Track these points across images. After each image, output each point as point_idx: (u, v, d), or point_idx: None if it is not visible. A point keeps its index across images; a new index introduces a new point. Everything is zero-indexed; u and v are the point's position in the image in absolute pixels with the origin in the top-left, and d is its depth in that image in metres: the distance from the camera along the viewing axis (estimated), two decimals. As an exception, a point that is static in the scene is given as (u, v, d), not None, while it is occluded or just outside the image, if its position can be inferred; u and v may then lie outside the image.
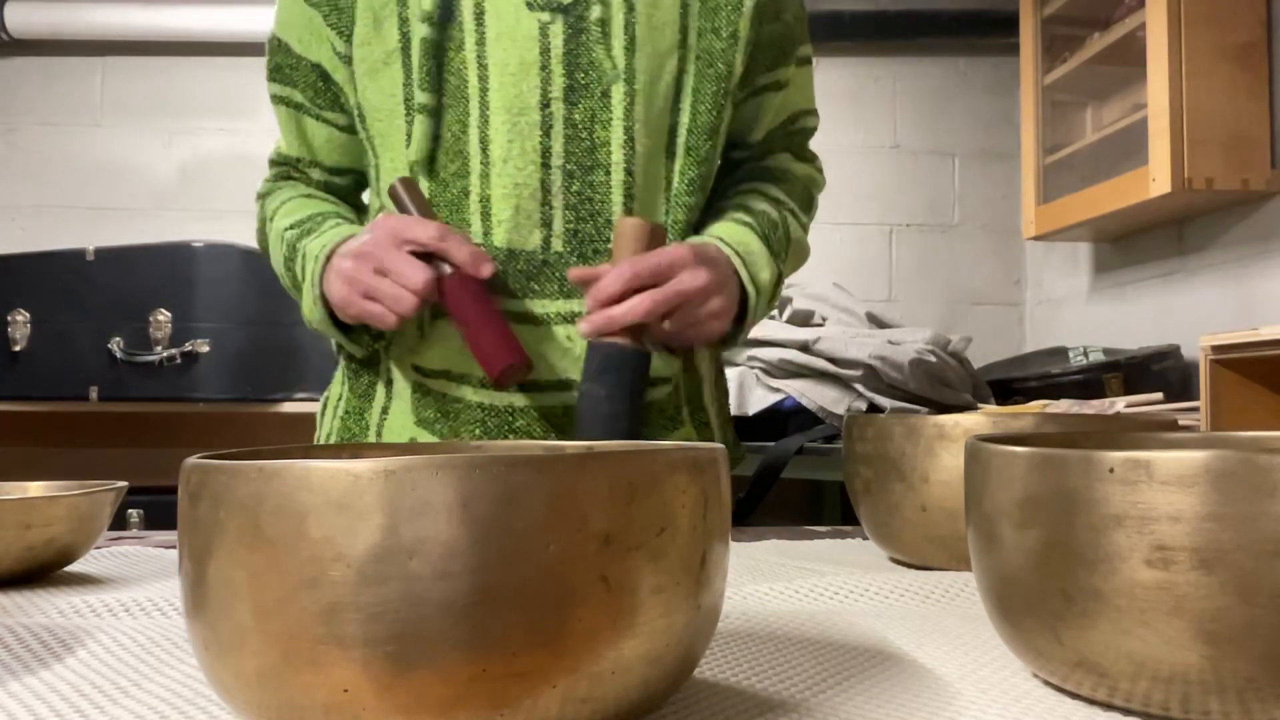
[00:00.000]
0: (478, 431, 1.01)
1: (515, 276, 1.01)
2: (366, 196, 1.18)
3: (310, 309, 1.03)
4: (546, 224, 1.01)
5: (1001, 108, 3.40)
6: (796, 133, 1.18)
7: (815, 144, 1.23)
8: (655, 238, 0.94)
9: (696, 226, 1.08)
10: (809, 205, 1.18)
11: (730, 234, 1.03)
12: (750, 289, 1.02)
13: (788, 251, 1.10)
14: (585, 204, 1.01)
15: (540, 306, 1.01)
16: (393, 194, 0.94)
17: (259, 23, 3.11)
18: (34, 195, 3.24)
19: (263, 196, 1.17)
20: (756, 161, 1.18)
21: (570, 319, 1.00)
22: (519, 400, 1.01)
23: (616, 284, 0.91)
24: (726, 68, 1.03)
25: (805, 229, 1.15)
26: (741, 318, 1.04)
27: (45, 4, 3.13)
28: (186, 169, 3.27)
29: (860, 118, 3.38)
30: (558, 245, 1.01)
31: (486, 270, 0.92)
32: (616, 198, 1.01)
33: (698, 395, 1.10)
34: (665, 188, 1.04)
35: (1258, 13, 2.31)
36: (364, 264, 0.93)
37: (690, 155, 1.03)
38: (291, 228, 1.07)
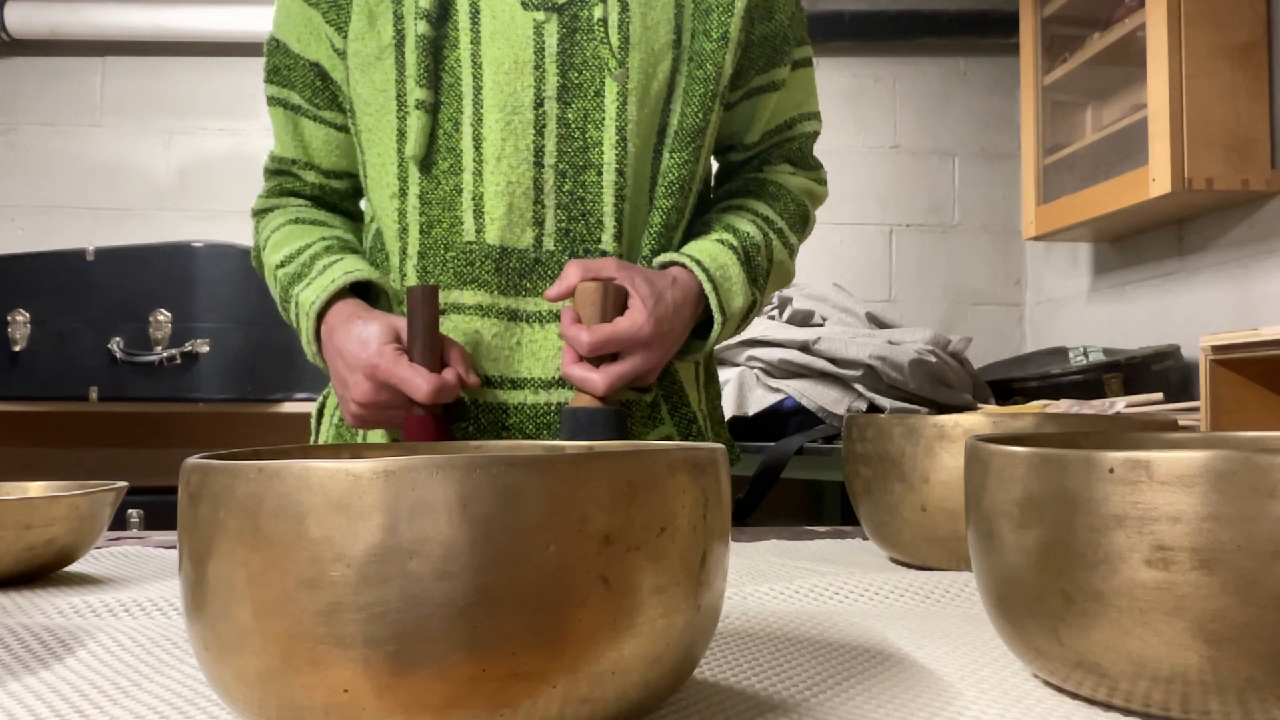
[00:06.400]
0: (470, 429, 1.02)
1: (507, 274, 1.01)
2: (363, 204, 1.18)
3: (310, 355, 1.04)
4: (539, 223, 1.01)
5: (1001, 108, 3.40)
6: (796, 138, 1.17)
7: (816, 145, 1.20)
8: (615, 298, 0.95)
9: (685, 234, 1.08)
10: (803, 223, 1.16)
11: (710, 256, 1.02)
12: (718, 316, 1.02)
13: (769, 276, 1.09)
14: (577, 203, 1.01)
15: (533, 304, 1.02)
16: (410, 295, 0.94)
17: (259, 23, 3.11)
18: (34, 195, 3.24)
19: (258, 214, 1.17)
20: (754, 171, 1.18)
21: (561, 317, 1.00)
22: (511, 398, 1.01)
23: (584, 352, 0.94)
24: (716, 69, 1.03)
25: (793, 250, 1.14)
26: (705, 333, 1.05)
27: (45, 4, 3.13)
28: (186, 169, 3.27)
29: (860, 118, 3.38)
30: (549, 244, 1.01)
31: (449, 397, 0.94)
32: (608, 197, 1.02)
33: (678, 392, 1.09)
34: (651, 188, 1.04)
35: (1258, 13, 2.31)
36: (366, 384, 0.94)
37: (673, 157, 1.03)
38: (282, 265, 1.07)
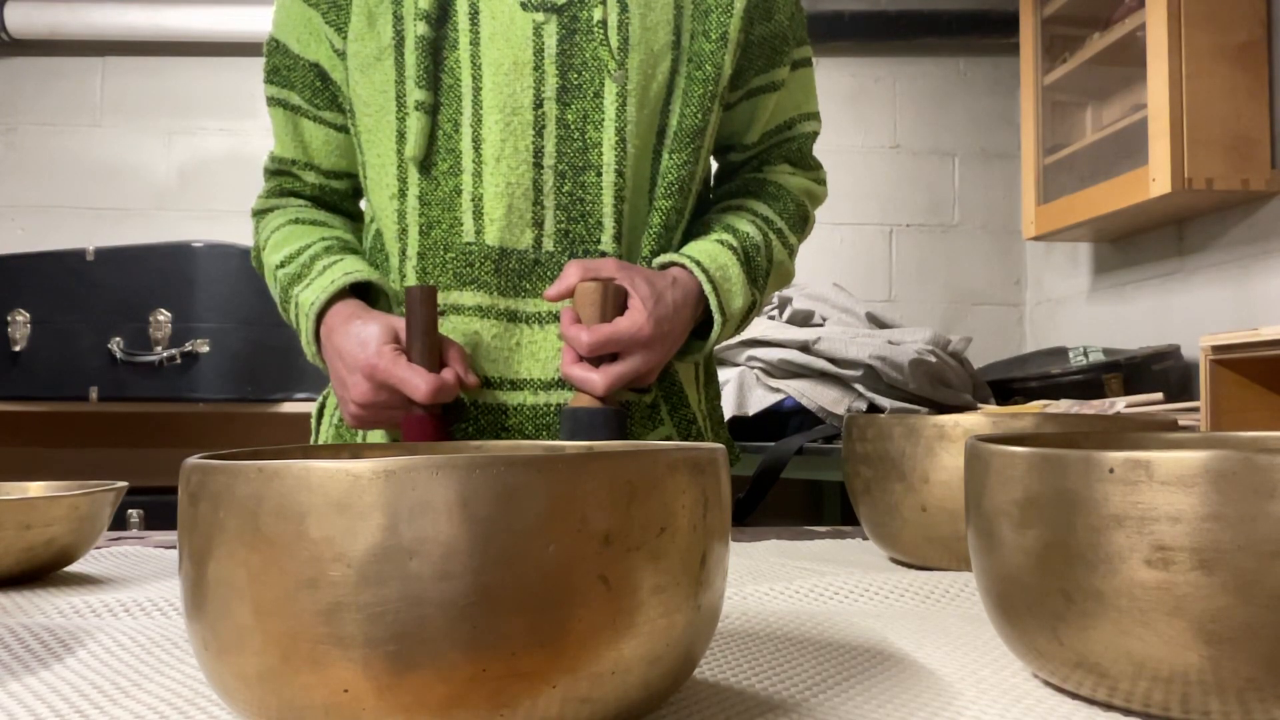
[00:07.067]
0: (470, 430, 1.02)
1: (507, 275, 1.01)
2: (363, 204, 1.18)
3: (310, 355, 1.04)
4: (538, 224, 1.01)
5: (1001, 108, 3.40)
6: (795, 139, 1.17)
7: (816, 145, 1.21)
8: (614, 298, 0.95)
9: (685, 234, 1.08)
10: (803, 223, 1.16)
11: (710, 257, 1.02)
12: (718, 317, 1.02)
13: (768, 276, 1.09)
14: (577, 204, 1.01)
15: (532, 305, 1.01)
16: (409, 295, 0.94)
17: (259, 23, 3.11)
18: (34, 195, 3.24)
19: (258, 215, 1.17)
20: (753, 172, 1.17)
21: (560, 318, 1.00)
22: (511, 399, 1.01)
23: (584, 352, 0.94)
24: (715, 70, 1.03)
25: (793, 251, 1.14)
26: (705, 333, 1.04)
27: (45, 4, 3.13)
28: (186, 169, 3.27)
29: (860, 118, 3.38)
30: (549, 245, 1.01)
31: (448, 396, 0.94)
32: (608, 198, 1.02)
33: (677, 393, 1.09)
34: (650, 189, 1.04)
35: (1258, 13, 2.31)
36: (365, 385, 0.94)
37: (673, 158, 1.03)
38: (282, 265, 1.07)
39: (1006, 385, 2.57)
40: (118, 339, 2.60)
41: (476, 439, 1.02)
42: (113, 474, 2.99)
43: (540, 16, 1.00)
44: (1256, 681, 0.41)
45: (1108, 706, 0.46)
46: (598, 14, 1.00)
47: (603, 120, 1.01)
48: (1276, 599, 0.40)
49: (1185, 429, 0.79)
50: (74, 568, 0.86)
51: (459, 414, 1.01)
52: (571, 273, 0.95)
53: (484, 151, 1.00)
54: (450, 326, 1.01)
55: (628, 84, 1.00)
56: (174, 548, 0.98)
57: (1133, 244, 2.85)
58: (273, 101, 1.12)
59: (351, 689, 0.37)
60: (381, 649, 0.37)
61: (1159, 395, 2.28)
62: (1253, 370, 1.94)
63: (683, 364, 1.10)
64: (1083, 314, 3.12)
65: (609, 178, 1.01)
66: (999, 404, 2.51)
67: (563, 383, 1.01)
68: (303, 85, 1.10)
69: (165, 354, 2.60)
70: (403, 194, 1.03)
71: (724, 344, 2.11)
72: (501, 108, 1.00)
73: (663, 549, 0.40)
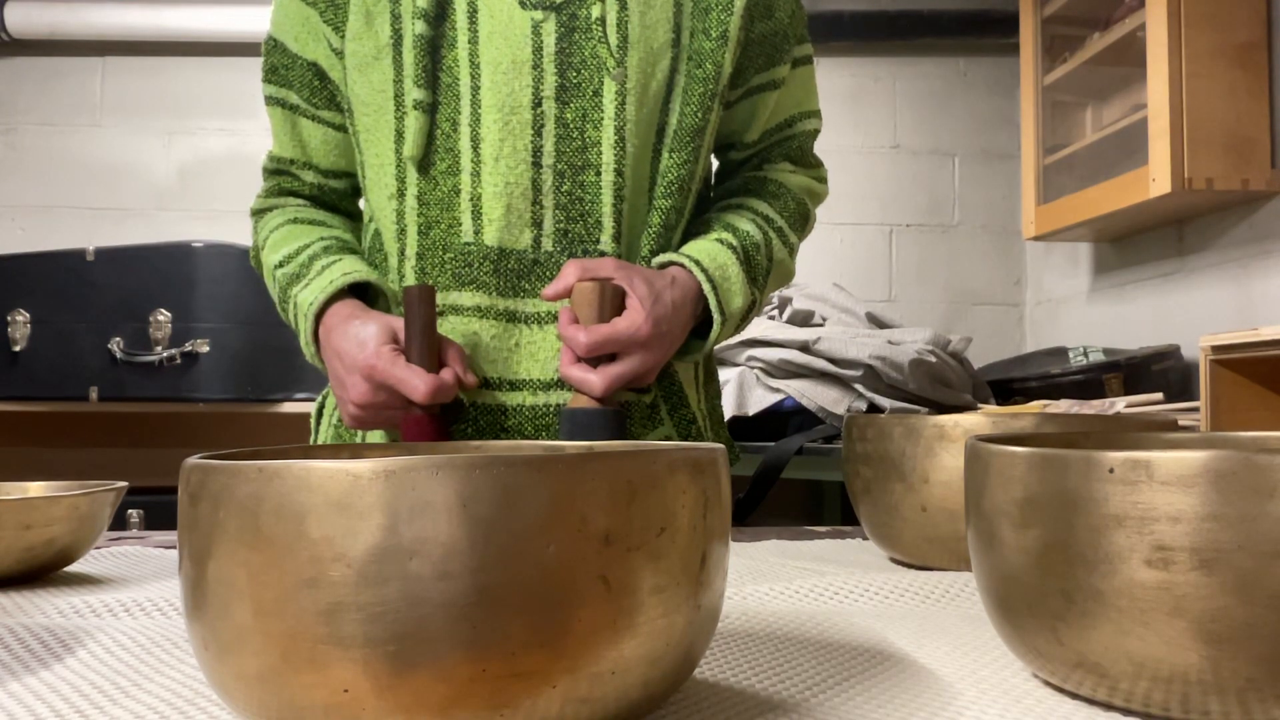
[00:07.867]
0: (469, 431, 1.02)
1: (506, 275, 1.01)
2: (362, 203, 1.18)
3: (309, 356, 1.04)
4: (537, 223, 1.01)
5: (1001, 108, 3.40)
6: (796, 136, 1.17)
7: (816, 144, 1.21)
8: (612, 298, 0.95)
9: (685, 233, 1.08)
10: (803, 222, 1.16)
11: (709, 256, 1.02)
12: (717, 316, 1.02)
13: (768, 275, 1.09)
14: (576, 204, 1.01)
15: (531, 306, 1.01)
16: (407, 295, 0.94)
17: (259, 23, 3.11)
18: (34, 195, 3.24)
19: (256, 214, 1.17)
20: (754, 170, 1.17)
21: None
22: (510, 400, 1.01)
23: (582, 353, 0.94)
24: (715, 68, 1.03)
25: (793, 249, 1.13)
26: (705, 333, 1.04)
27: (45, 4, 3.13)
28: (186, 169, 3.27)
29: (860, 118, 3.38)
30: (548, 244, 1.01)
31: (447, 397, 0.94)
32: (607, 198, 1.01)
33: (677, 393, 1.09)
34: (650, 188, 1.04)
35: (1258, 13, 2.31)
36: (363, 385, 0.94)
37: (672, 157, 1.03)
38: (281, 265, 1.07)
39: (1006, 385, 2.57)
40: (118, 339, 2.60)
41: (476, 439, 1.02)
42: (113, 474, 2.99)
43: (539, 14, 1.00)
44: (1256, 681, 0.41)
45: (1108, 706, 0.46)
46: (596, 12, 1.00)
47: (602, 119, 1.00)
48: (1276, 599, 0.40)
49: (1185, 429, 0.79)
50: (74, 568, 0.86)
51: (458, 414, 1.01)
52: (569, 272, 0.94)
53: (483, 151, 1.00)
54: (449, 327, 1.01)
55: (627, 82, 1.00)
56: (174, 548, 0.98)
57: (1133, 244, 2.85)
58: (271, 101, 1.12)
59: (351, 689, 0.37)
60: (381, 649, 0.37)
61: (1159, 395, 2.28)
62: (1253, 370, 1.94)
63: (682, 364, 1.10)
64: (1083, 314, 3.12)
65: (608, 177, 1.01)
66: (999, 404, 2.51)
67: (562, 383, 1.01)
68: (301, 84, 1.09)
69: (165, 354, 2.60)
70: (401, 194, 1.03)
71: (724, 344, 2.10)
72: (500, 107, 0.99)
73: (663, 549, 0.40)
